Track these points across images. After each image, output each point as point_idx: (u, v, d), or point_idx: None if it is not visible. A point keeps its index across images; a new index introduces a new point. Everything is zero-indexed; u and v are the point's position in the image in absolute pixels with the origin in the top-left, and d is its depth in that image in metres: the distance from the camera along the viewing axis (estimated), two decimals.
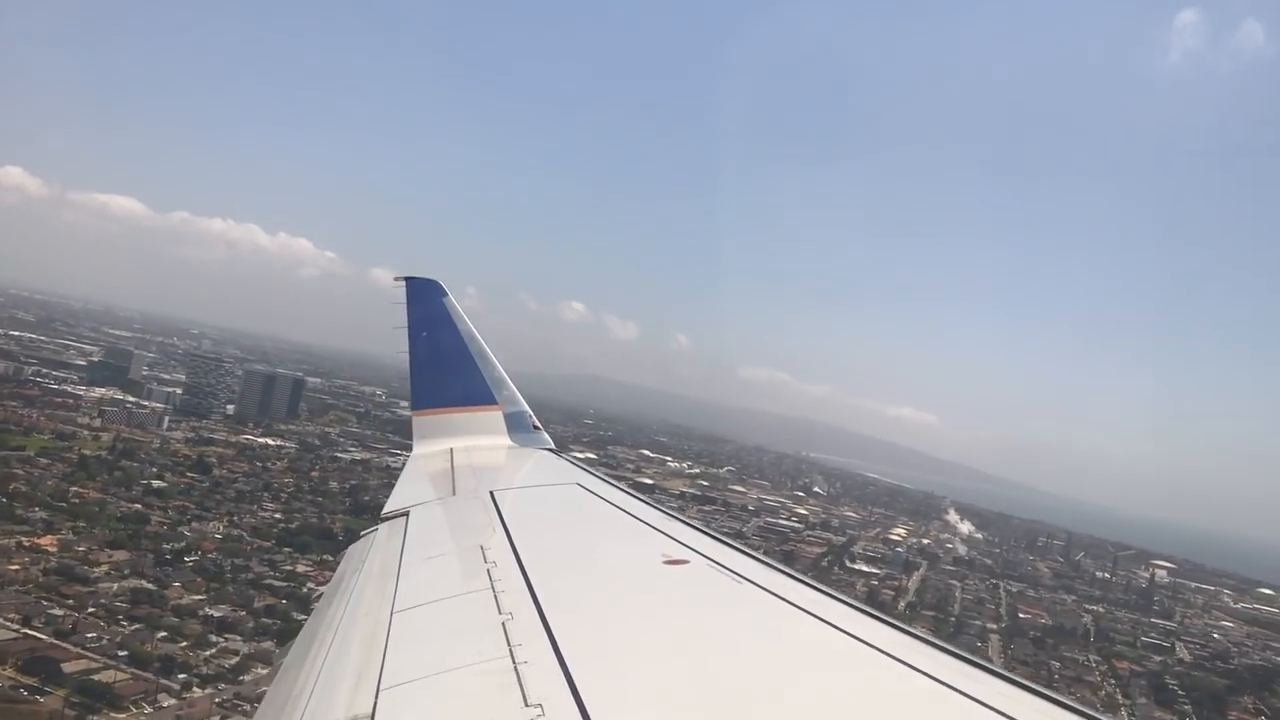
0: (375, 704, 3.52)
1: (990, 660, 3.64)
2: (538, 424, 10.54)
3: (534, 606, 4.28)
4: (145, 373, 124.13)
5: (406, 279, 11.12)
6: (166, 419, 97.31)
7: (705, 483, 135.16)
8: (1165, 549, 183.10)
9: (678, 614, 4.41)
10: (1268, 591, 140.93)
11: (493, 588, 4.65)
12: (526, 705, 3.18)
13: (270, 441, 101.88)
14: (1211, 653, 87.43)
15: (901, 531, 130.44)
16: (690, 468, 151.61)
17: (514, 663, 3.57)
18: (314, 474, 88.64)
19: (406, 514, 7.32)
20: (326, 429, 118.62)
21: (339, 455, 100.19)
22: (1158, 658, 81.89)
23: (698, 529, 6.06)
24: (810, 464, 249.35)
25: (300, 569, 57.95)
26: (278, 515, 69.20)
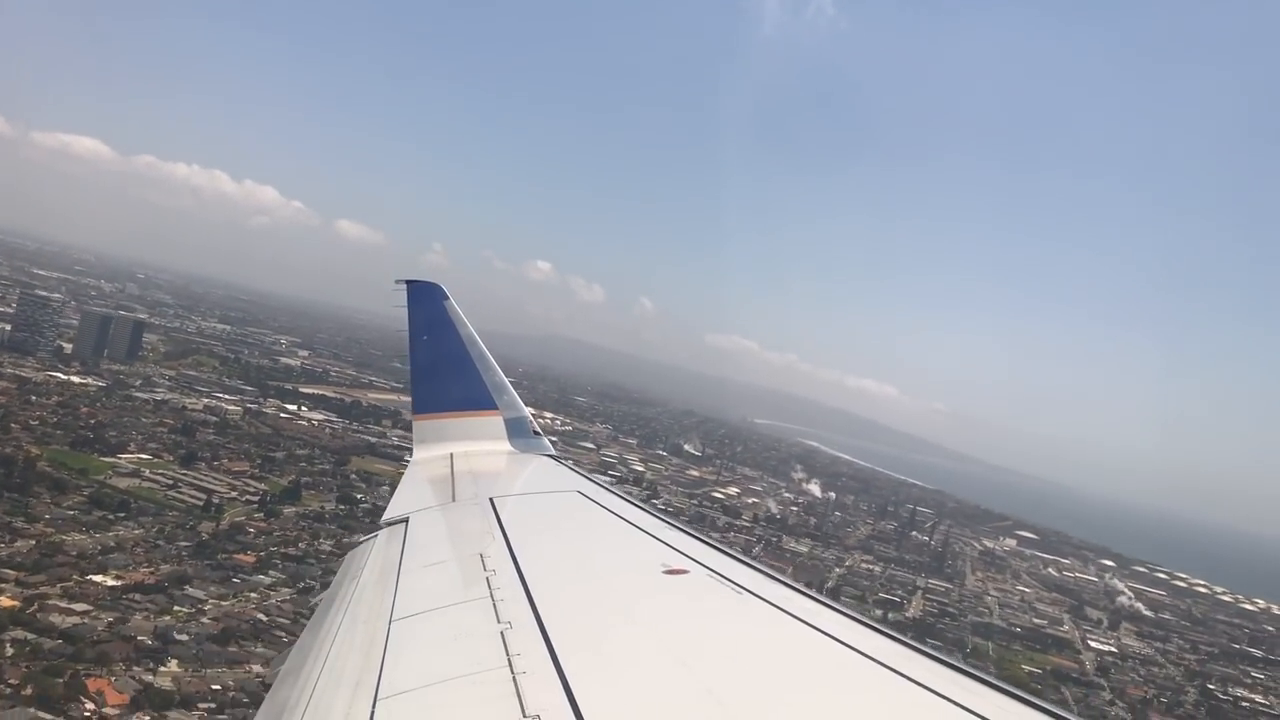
0: (372, 713, 3.58)
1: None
2: (538, 430, 10.67)
3: (533, 615, 4.33)
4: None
5: (408, 282, 11.12)
6: None
7: (555, 438, 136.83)
8: (1079, 530, 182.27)
9: (677, 624, 4.44)
10: (1108, 563, 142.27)
11: (492, 596, 4.73)
12: (524, 716, 3.23)
13: (78, 380, 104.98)
14: (944, 611, 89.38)
15: (733, 490, 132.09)
16: (563, 424, 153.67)
17: (512, 672, 3.62)
18: (84, 410, 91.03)
19: (406, 520, 7.39)
20: (165, 372, 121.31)
21: (138, 395, 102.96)
22: (878, 611, 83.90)
23: (699, 539, 6.13)
24: (745, 431, 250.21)
25: None
26: None
